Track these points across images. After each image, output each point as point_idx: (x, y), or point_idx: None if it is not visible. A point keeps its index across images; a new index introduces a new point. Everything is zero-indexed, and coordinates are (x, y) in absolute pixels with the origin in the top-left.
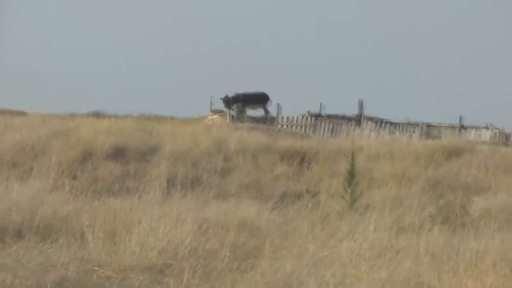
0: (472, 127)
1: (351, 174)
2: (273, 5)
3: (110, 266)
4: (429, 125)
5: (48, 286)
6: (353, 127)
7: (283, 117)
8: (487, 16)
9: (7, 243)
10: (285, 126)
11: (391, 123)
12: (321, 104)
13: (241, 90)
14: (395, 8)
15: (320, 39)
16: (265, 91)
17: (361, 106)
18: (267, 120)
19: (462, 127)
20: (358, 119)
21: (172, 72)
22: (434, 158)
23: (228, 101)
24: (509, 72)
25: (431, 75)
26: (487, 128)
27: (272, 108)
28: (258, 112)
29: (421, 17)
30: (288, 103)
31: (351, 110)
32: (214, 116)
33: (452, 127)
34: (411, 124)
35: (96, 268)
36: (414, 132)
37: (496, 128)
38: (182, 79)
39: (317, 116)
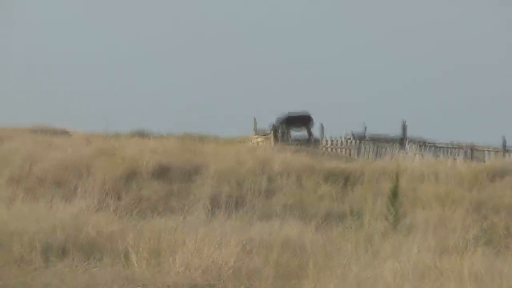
0: None
1: (395, 195)
2: (312, 25)
3: (155, 285)
4: (473, 148)
5: None
6: (397, 149)
7: (327, 140)
8: None
9: (52, 261)
10: (329, 149)
11: (435, 146)
12: (365, 126)
13: (285, 110)
14: (439, 27)
15: (362, 59)
16: (309, 111)
17: (404, 127)
18: (311, 143)
19: (506, 150)
20: (402, 141)
21: (216, 91)
22: (478, 180)
23: (273, 125)
24: None
25: (474, 96)
26: None
27: (315, 128)
28: (302, 133)
29: (464, 38)
30: (331, 122)
31: (394, 130)
32: (259, 139)
33: (496, 150)
34: (454, 147)
35: (144, 286)
36: (458, 155)
37: None
38: (226, 99)
39: (361, 138)
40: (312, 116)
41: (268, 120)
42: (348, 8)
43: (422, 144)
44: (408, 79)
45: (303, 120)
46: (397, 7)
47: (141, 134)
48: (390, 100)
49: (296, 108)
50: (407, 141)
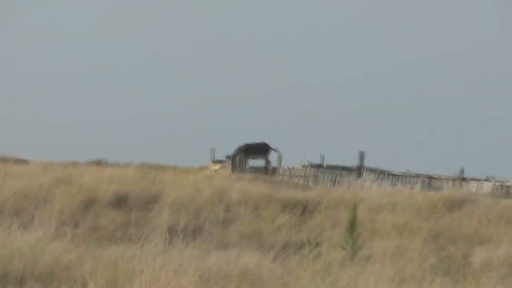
0: (473, 179)
1: (353, 225)
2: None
3: None
4: (430, 177)
5: None
6: (354, 178)
7: (284, 168)
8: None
9: None
10: (286, 177)
11: (393, 175)
12: (321, 155)
13: (242, 141)
14: (397, 52)
15: (320, 89)
16: (266, 142)
17: (361, 157)
18: (268, 171)
19: (463, 179)
20: (359, 170)
21: (173, 122)
22: (436, 209)
23: (231, 155)
24: (509, 125)
25: (432, 127)
26: (488, 180)
27: (272, 158)
28: (259, 162)
29: (425, 61)
30: (289, 153)
31: (352, 161)
32: (216, 167)
33: (453, 179)
34: (412, 176)
35: None
36: (416, 184)
37: (497, 181)
38: (184, 129)
39: (319, 166)
40: (270, 146)
41: (226, 150)
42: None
43: (380, 173)
44: (366, 109)
45: (261, 149)
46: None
47: (99, 163)
48: (348, 131)
49: (254, 139)
50: (364, 170)
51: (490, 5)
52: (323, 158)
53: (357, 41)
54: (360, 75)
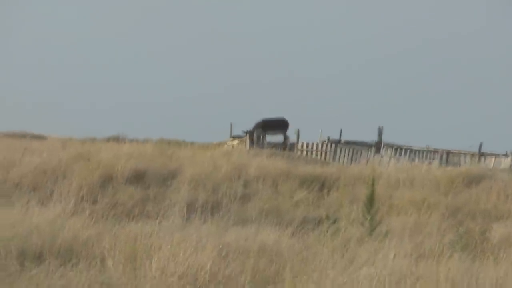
0: (491, 155)
1: (371, 201)
2: (295, 30)
3: None
4: (448, 152)
5: None
6: (373, 154)
7: (302, 144)
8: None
9: (27, 267)
10: (304, 153)
11: (411, 150)
12: (340, 130)
13: (261, 116)
14: (419, 29)
15: (340, 65)
16: (285, 117)
17: (380, 132)
18: (286, 147)
19: (482, 154)
20: (377, 146)
21: (192, 97)
22: (454, 185)
23: (249, 130)
24: None
25: (451, 102)
26: (506, 155)
27: (291, 133)
28: (278, 138)
29: (442, 42)
30: (307, 129)
31: (371, 137)
32: (234, 142)
33: (472, 154)
34: (430, 151)
35: None
36: (433, 159)
37: None
38: (203, 104)
39: (337, 142)
40: (288, 121)
41: (245, 126)
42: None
43: (398, 149)
44: (385, 84)
45: (279, 125)
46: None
47: (117, 139)
48: (367, 106)
49: (273, 115)
50: (382, 146)
51: None
52: (342, 133)
53: (380, 23)
54: (379, 57)
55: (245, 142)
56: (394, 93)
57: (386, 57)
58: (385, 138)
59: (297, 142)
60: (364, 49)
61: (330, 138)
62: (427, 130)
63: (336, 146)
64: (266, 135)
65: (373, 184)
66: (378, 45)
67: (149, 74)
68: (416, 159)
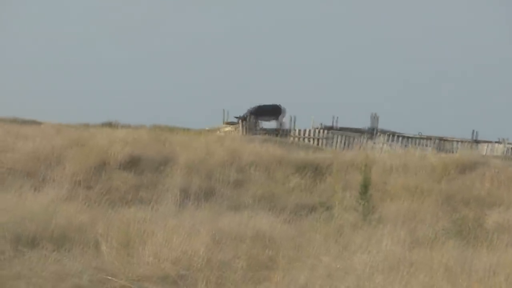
0: (485, 142)
1: (365, 187)
2: (291, 19)
3: (124, 275)
4: (442, 139)
5: None
6: (366, 140)
7: (295, 130)
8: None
9: (21, 251)
10: (297, 139)
11: (404, 137)
12: (334, 117)
13: (255, 103)
14: (410, 18)
15: (334, 53)
16: (278, 104)
17: (374, 119)
18: (280, 133)
19: (475, 141)
20: (371, 132)
21: (186, 83)
22: (447, 171)
23: (242, 116)
24: None
25: (445, 89)
26: (500, 142)
27: (285, 120)
28: (271, 124)
29: (436, 29)
30: (302, 115)
31: (364, 124)
32: (227, 128)
33: (465, 141)
34: (424, 138)
35: (110, 278)
36: (427, 146)
37: (509, 143)
38: (196, 91)
39: (330, 129)
40: (282, 108)
41: (238, 112)
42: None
43: (391, 135)
44: (379, 71)
45: (273, 111)
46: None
47: (111, 125)
48: (361, 94)
49: (267, 101)
50: (375, 132)
51: None
52: (336, 120)
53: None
54: (367, 43)
55: (239, 129)
56: (389, 81)
57: (380, 43)
58: (379, 125)
59: (291, 129)
60: (358, 36)
61: (324, 125)
62: (420, 117)
63: (329, 132)
64: (260, 121)
65: (366, 170)
66: (374, 31)
67: (142, 60)
68: (410, 146)
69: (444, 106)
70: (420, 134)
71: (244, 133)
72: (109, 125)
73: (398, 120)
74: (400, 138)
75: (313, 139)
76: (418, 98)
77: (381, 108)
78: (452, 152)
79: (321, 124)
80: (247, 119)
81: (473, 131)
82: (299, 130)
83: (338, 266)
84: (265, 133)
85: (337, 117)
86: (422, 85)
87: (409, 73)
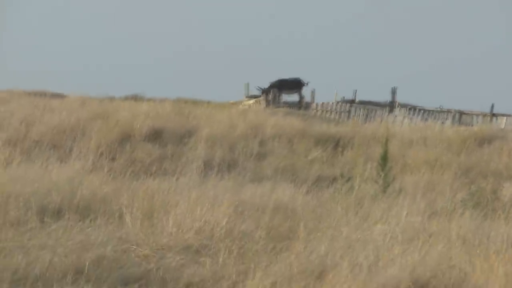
0: (503, 115)
1: (385, 160)
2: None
3: (148, 245)
4: (461, 113)
5: (87, 264)
6: (386, 113)
7: (317, 104)
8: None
9: (47, 222)
10: (319, 112)
11: (424, 110)
12: (355, 90)
13: (276, 77)
14: None
15: (354, 26)
16: (300, 77)
17: (394, 93)
18: (301, 106)
19: (494, 115)
20: (391, 106)
21: (209, 57)
22: (466, 145)
23: (264, 89)
24: None
25: (464, 63)
26: None
27: (306, 93)
28: (293, 97)
29: (451, 5)
30: (323, 89)
31: (385, 97)
32: (250, 102)
33: (484, 115)
34: (443, 112)
35: (134, 247)
36: (446, 119)
37: None
38: (219, 65)
39: (351, 102)
40: (303, 81)
41: (261, 85)
42: None
43: (411, 109)
44: (400, 45)
45: (294, 84)
46: None
47: (135, 98)
48: (381, 67)
49: (289, 74)
50: (396, 105)
51: None
52: (356, 93)
53: None
54: (395, 18)
55: (261, 102)
56: (408, 52)
57: (402, 18)
58: (400, 99)
59: (312, 102)
60: (381, 13)
61: (345, 98)
62: (440, 90)
63: (350, 106)
64: (282, 95)
65: (386, 143)
66: (395, 6)
67: (164, 32)
68: (429, 119)
69: (464, 79)
70: (441, 107)
71: (267, 106)
72: (134, 98)
73: (419, 93)
74: (421, 112)
75: (335, 113)
76: (438, 70)
77: (401, 81)
78: (472, 125)
79: (343, 97)
80: (270, 93)
81: (492, 104)
82: (322, 104)
83: (358, 237)
84: (288, 107)
85: (356, 91)
86: (441, 58)
87: (430, 48)
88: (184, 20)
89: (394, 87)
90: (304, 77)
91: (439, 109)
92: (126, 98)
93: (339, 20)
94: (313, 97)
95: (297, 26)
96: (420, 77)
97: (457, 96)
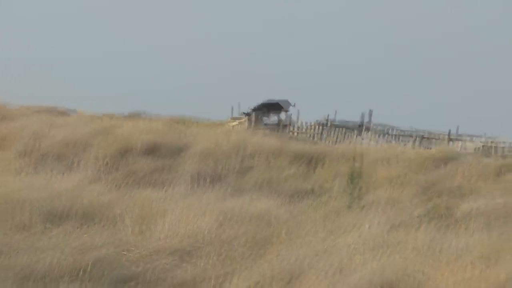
0: (458, 140)
1: (352, 177)
2: (290, 18)
3: (141, 248)
4: (422, 136)
5: (84, 265)
6: (355, 135)
7: (293, 126)
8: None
9: (48, 228)
10: (295, 134)
11: (388, 134)
12: (333, 111)
13: (261, 98)
14: (400, 20)
15: (336, 49)
16: (279, 100)
17: (363, 116)
18: (280, 128)
19: (450, 139)
20: (359, 129)
21: (198, 76)
22: (425, 165)
23: (247, 112)
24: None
25: (429, 86)
26: (471, 141)
27: (288, 115)
28: (273, 119)
29: (423, 31)
30: (307, 110)
31: (360, 119)
32: (234, 123)
33: (442, 139)
34: (406, 136)
35: (125, 253)
36: (408, 141)
37: (480, 142)
38: (209, 86)
39: (324, 124)
40: (288, 103)
41: (247, 106)
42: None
43: (377, 132)
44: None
45: (276, 108)
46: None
47: (132, 116)
48: (358, 93)
49: (274, 96)
50: (363, 129)
51: None
52: (332, 116)
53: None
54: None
55: (244, 123)
56: (381, 76)
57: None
58: (376, 120)
59: (292, 124)
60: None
61: (319, 121)
62: (415, 112)
63: (323, 128)
64: (264, 117)
65: (354, 162)
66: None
67: (166, 61)
68: (393, 141)
69: (429, 101)
70: (411, 127)
71: (249, 127)
72: (132, 116)
73: (394, 114)
74: (386, 135)
75: (309, 134)
76: (407, 92)
77: (374, 103)
78: (430, 148)
79: (317, 121)
80: (252, 115)
81: (449, 130)
82: (297, 126)
83: (324, 247)
84: (267, 128)
85: (336, 111)
86: (407, 81)
87: (392, 66)
88: (173, 39)
89: (370, 110)
90: (287, 99)
91: (402, 133)
92: (125, 117)
93: (321, 43)
94: (292, 119)
95: (291, 43)
96: (391, 99)
97: (423, 117)
